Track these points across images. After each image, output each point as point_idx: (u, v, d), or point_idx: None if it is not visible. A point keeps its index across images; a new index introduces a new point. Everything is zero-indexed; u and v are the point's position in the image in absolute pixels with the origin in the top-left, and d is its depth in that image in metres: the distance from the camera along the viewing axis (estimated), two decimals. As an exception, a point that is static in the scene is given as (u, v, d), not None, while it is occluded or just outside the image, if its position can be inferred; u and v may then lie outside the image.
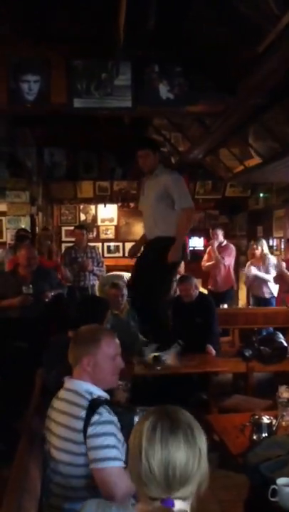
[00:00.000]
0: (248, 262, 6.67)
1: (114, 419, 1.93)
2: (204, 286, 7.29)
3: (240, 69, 3.40)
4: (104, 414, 1.89)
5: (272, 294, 6.43)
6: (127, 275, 6.54)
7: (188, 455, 1.16)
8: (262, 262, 6.41)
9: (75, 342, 2.11)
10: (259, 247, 6.45)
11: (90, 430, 1.85)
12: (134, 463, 1.20)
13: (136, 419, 2.10)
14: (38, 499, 1.85)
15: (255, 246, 6.50)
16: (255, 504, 2.21)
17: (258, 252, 6.43)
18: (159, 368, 3.97)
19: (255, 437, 2.50)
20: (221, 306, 6.26)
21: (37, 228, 7.41)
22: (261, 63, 3.03)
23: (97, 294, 6.65)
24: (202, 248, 9.19)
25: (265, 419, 2.55)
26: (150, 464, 1.16)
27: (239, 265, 8.90)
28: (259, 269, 6.41)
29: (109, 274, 7.89)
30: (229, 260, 6.98)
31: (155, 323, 4.53)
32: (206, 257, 7.15)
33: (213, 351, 4.54)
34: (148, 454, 1.16)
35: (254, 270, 6.41)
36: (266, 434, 2.49)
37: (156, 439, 1.17)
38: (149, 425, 1.19)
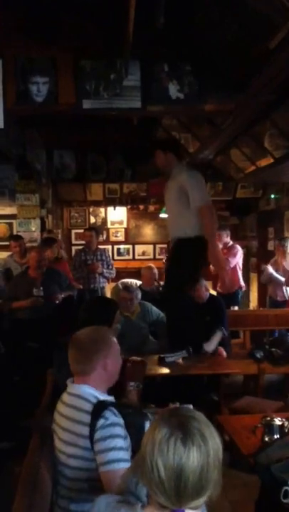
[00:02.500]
0: (271, 261, 6.55)
1: (121, 421, 1.91)
2: (214, 288, 7.25)
3: (251, 66, 3.36)
4: (110, 417, 1.87)
5: (285, 297, 6.36)
6: (139, 282, 6.51)
7: (201, 468, 1.14)
8: (284, 263, 6.32)
9: (86, 350, 2.03)
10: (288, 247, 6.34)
11: (97, 435, 1.84)
12: (145, 472, 1.18)
13: (147, 424, 2.09)
14: (49, 496, 1.85)
15: (280, 246, 6.39)
16: (266, 505, 2.18)
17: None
18: (167, 369, 3.96)
19: (267, 439, 2.48)
20: (231, 308, 6.22)
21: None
22: (272, 59, 2.99)
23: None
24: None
25: (277, 421, 2.54)
26: (161, 477, 1.14)
27: (249, 267, 8.86)
28: (278, 271, 6.33)
29: (124, 280, 7.87)
30: (234, 261, 6.90)
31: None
32: None
33: (224, 353, 4.52)
34: (159, 467, 1.15)
35: (270, 269, 6.32)
36: (278, 436, 2.47)
37: (169, 453, 1.14)
38: (162, 437, 1.17)
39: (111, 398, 2.03)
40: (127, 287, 4.83)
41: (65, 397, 2.05)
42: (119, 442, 1.83)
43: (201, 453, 1.14)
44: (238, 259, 6.98)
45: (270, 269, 6.30)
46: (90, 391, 1.97)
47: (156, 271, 6.15)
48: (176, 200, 4.13)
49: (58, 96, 3.79)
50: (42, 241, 6.41)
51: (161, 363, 4.07)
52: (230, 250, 6.92)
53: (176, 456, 1.14)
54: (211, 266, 6.84)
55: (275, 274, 6.27)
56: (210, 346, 4.17)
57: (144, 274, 6.15)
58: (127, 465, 1.77)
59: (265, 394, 4.50)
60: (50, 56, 3.78)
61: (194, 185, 4.05)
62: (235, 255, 6.91)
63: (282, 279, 6.24)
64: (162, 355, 4.11)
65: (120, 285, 6.81)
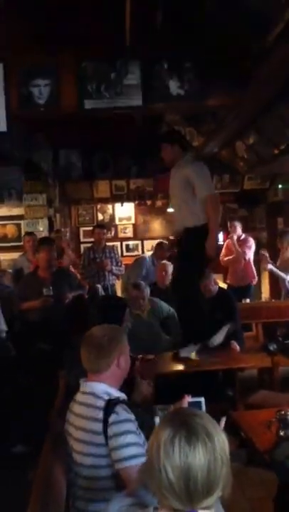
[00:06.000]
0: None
1: (132, 416, 1.93)
2: (224, 281, 7.20)
3: (251, 60, 3.35)
4: (121, 412, 1.90)
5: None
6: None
7: (209, 465, 1.12)
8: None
9: (101, 347, 2.04)
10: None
11: (110, 431, 1.87)
12: (153, 475, 1.16)
13: (157, 419, 2.10)
14: (63, 501, 1.86)
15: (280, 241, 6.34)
16: (285, 502, 2.17)
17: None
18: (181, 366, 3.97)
19: (282, 433, 2.46)
20: (243, 301, 6.18)
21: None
22: (272, 53, 2.98)
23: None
24: (222, 242, 9.10)
25: (292, 415, 2.51)
26: (170, 479, 1.12)
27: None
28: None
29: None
30: (250, 253, 6.86)
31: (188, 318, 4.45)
32: (224, 251, 7.04)
33: (238, 347, 4.50)
34: (167, 469, 1.13)
35: (270, 265, 6.26)
36: (293, 430, 2.45)
37: (175, 453, 1.13)
38: (166, 438, 1.15)
39: (123, 395, 2.06)
40: (137, 285, 4.80)
41: (78, 396, 2.08)
42: (133, 438, 1.85)
43: (207, 449, 1.13)
44: (252, 252, 6.92)
45: (270, 265, 6.22)
46: (103, 388, 2.00)
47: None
48: (182, 190, 4.17)
49: (59, 97, 3.79)
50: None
51: (176, 358, 4.07)
52: (245, 243, 6.87)
53: (182, 455, 1.12)
54: (221, 257, 6.88)
55: (274, 269, 6.20)
56: (216, 340, 4.17)
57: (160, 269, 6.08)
58: (143, 459, 1.78)
59: (281, 387, 4.48)
60: (51, 58, 3.78)
61: (200, 175, 4.10)
62: (250, 248, 6.86)
63: (282, 274, 6.16)
64: (176, 351, 4.11)
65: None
